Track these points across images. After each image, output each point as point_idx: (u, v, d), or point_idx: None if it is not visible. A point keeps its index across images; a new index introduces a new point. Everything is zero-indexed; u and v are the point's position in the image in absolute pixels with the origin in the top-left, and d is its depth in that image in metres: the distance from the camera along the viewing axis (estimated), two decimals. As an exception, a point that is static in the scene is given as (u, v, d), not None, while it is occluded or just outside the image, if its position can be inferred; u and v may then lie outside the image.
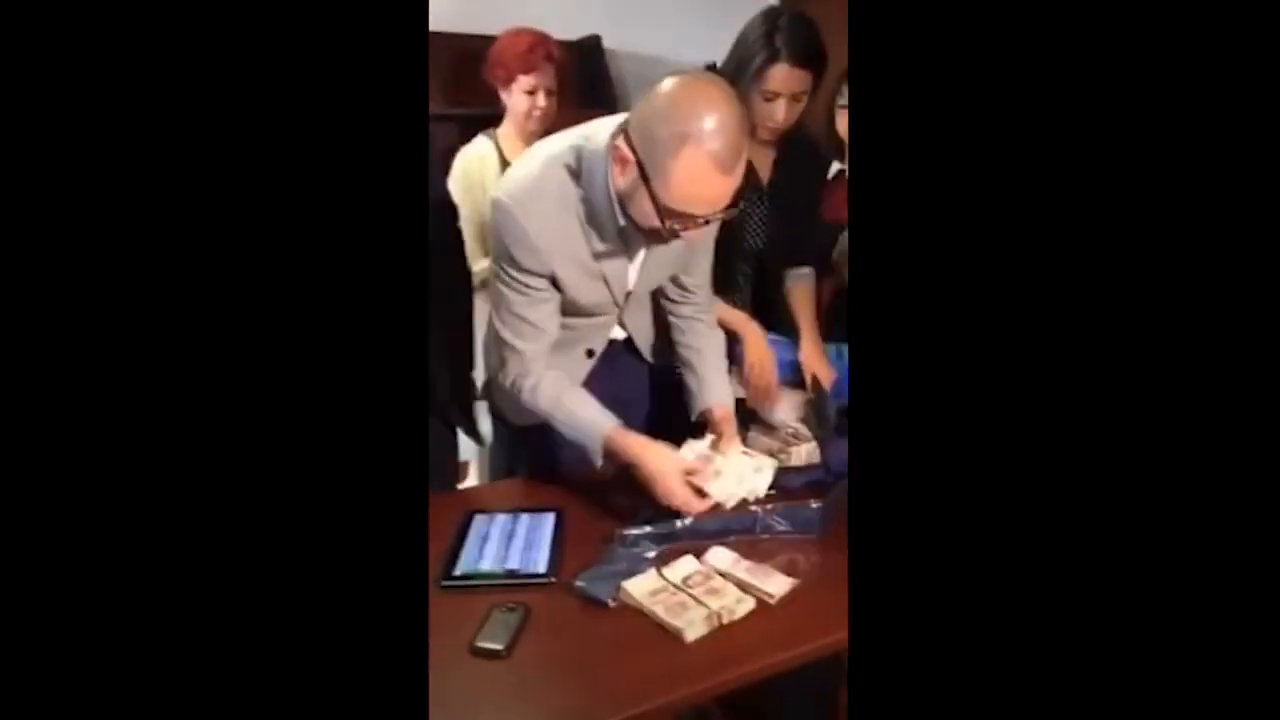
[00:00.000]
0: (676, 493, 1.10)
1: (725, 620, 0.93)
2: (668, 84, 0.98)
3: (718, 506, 1.13)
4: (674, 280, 1.29)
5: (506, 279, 1.13)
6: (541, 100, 1.82)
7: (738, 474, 1.17)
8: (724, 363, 1.34)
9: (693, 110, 0.94)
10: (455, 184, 1.79)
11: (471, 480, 1.98)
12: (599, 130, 1.07)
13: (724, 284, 1.44)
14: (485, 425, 1.44)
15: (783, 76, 1.32)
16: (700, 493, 1.11)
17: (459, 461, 1.74)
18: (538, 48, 1.81)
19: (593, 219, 1.09)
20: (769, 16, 1.34)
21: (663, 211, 0.99)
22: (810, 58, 1.33)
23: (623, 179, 1.02)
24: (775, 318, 1.53)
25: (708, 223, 1.03)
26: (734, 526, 1.11)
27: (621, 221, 1.07)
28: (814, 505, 1.13)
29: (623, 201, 1.04)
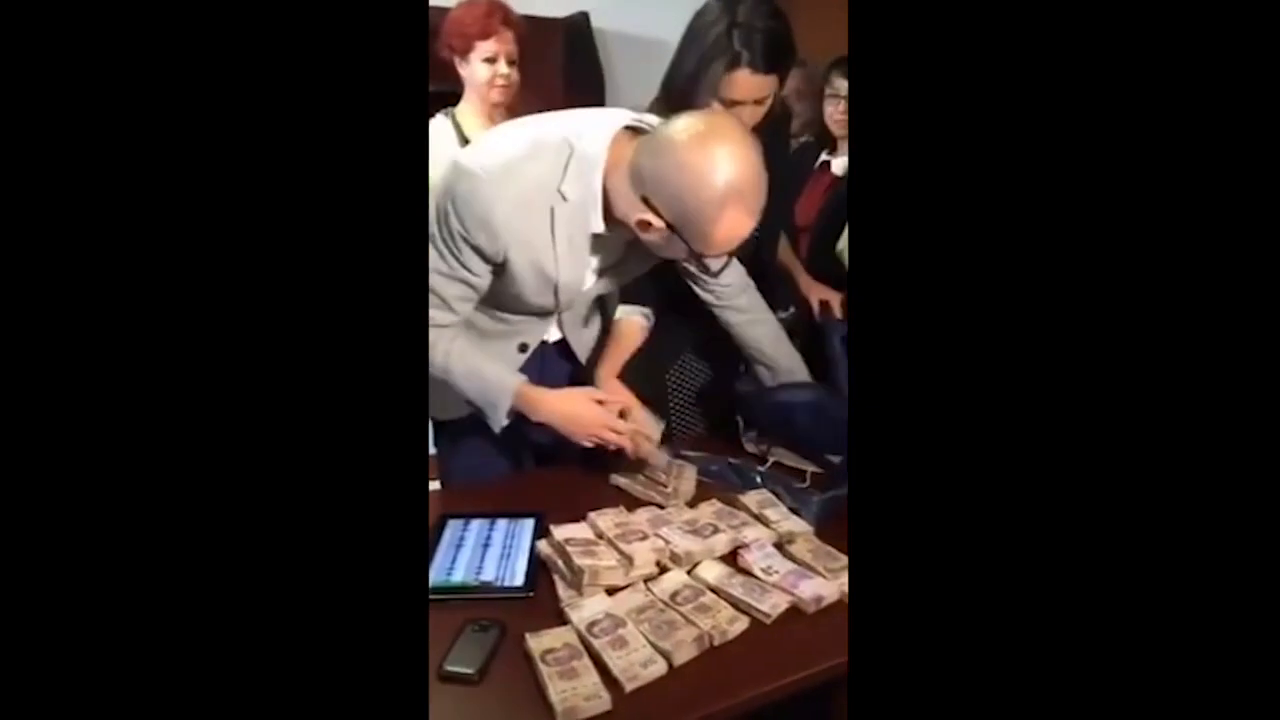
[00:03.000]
0: (595, 428, 1.11)
1: (717, 641, 0.86)
2: (682, 138, 0.91)
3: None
4: (703, 287, 1.26)
5: (445, 241, 1.02)
6: (503, 68, 1.69)
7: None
8: (784, 337, 1.35)
9: (723, 171, 0.89)
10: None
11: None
12: (591, 129, 1.00)
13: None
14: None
15: (744, 84, 1.16)
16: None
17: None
18: (495, 12, 1.68)
19: (567, 221, 1.01)
20: (727, 5, 1.15)
21: (698, 258, 0.99)
22: (775, 62, 1.16)
23: (648, 235, 0.98)
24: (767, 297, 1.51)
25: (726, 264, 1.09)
26: (728, 476, 1.21)
27: (598, 229, 1.02)
28: (816, 497, 1.12)
29: (648, 243, 1.00)
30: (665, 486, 1.15)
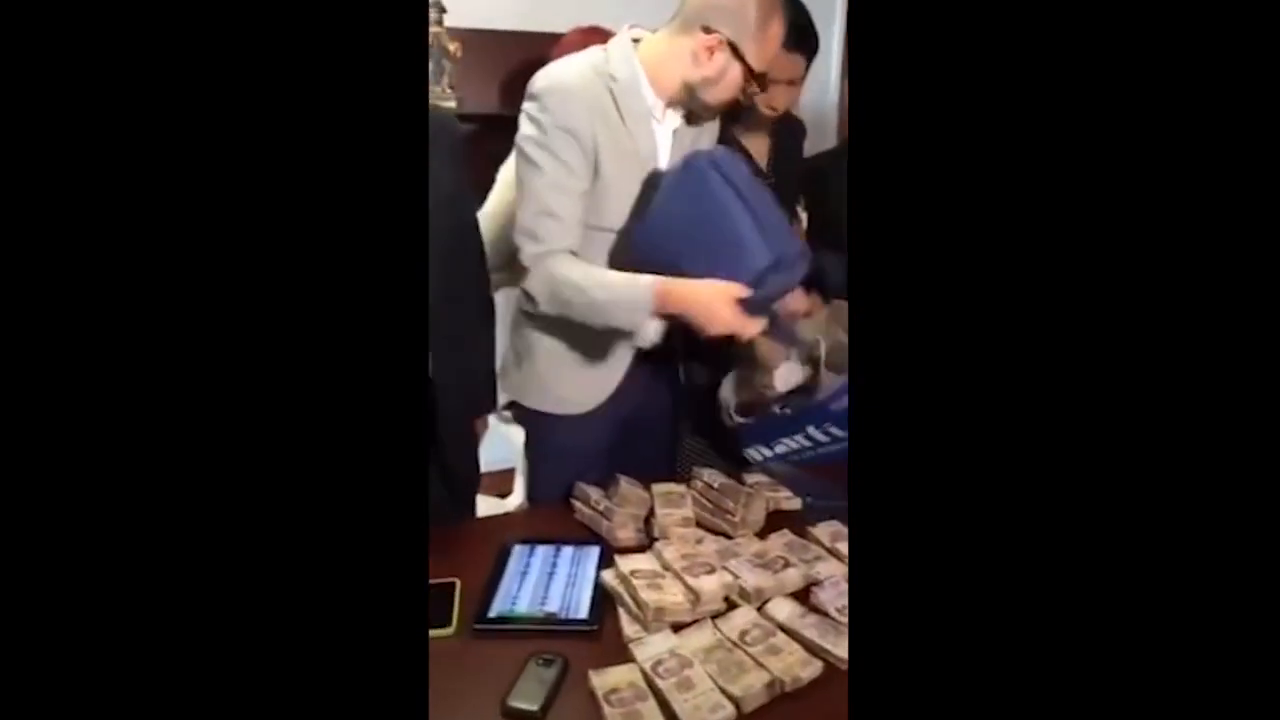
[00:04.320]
0: (728, 318, 1.09)
1: (789, 687, 0.82)
2: None
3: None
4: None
5: (540, 151, 1.12)
6: None
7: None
8: None
9: None
10: (502, 189, 1.68)
11: (517, 495, 1.90)
12: (608, 51, 1.18)
13: None
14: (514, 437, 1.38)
15: (780, 63, 1.32)
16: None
17: (498, 473, 1.66)
18: (593, 37, 1.74)
19: (624, 95, 1.15)
20: None
21: (749, 77, 1.16)
22: (805, 42, 1.36)
23: (707, 67, 1.14)
24: None
25: (763, 88, 1.22)
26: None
27: (650, 100, 1.17)
28: None
29: (692, 89, 1.16)
30: (733, 515, 1.12)
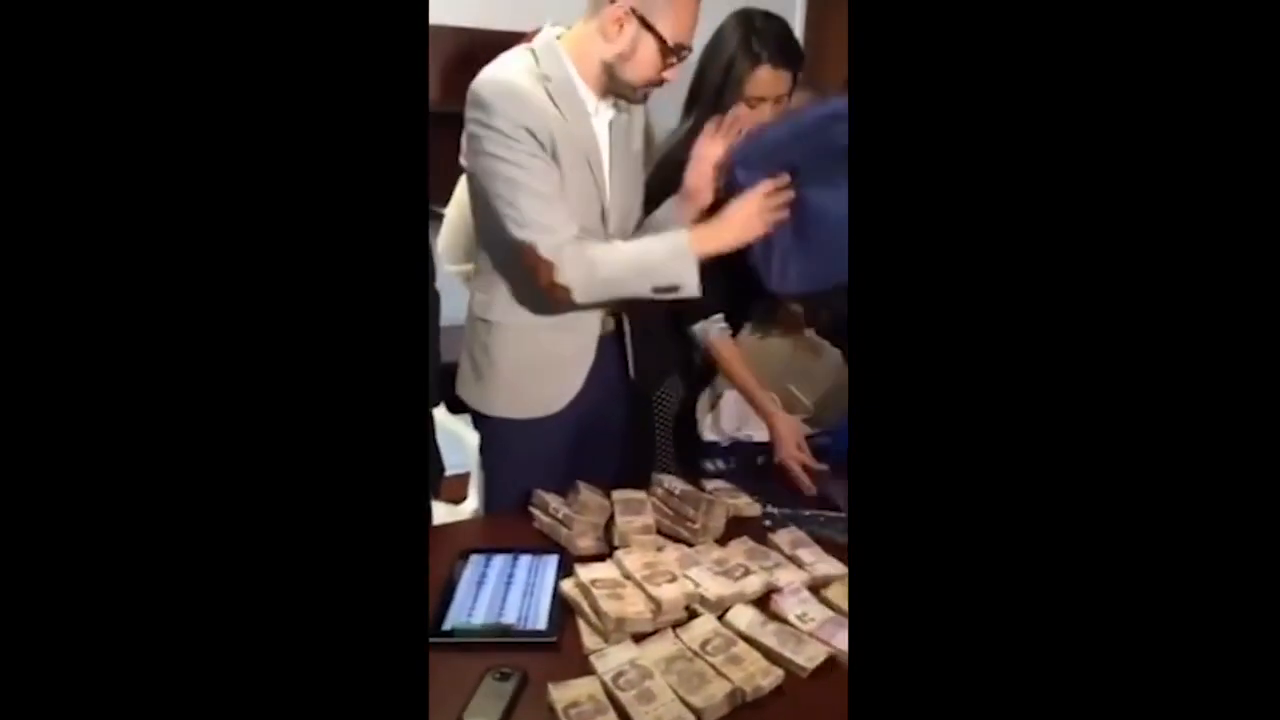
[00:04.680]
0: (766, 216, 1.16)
1: (750, 697, 0.81)
2: None
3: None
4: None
5: (514, 151, 1.09)
6: None
7: None
8: None
9: None
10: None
11: (471, 500, 1.87)
12: (535, 51, 1.16)
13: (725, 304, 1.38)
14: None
15: (766, 80, 1.29)
16: None
17: (452, 478, 1.63)
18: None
19: (560, 95, 1.14)
20: (743, 19, 1.31)
21: (664, 50, 1.12)
22: (790, 57, 1.31)
23: (619, 42, 1.12)
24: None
25: (683, 59, 1.16)
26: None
27: (584, 93, 1.16)
28: None
29: (611, 69, 1.14)
30: (694, 522, 1.11)
